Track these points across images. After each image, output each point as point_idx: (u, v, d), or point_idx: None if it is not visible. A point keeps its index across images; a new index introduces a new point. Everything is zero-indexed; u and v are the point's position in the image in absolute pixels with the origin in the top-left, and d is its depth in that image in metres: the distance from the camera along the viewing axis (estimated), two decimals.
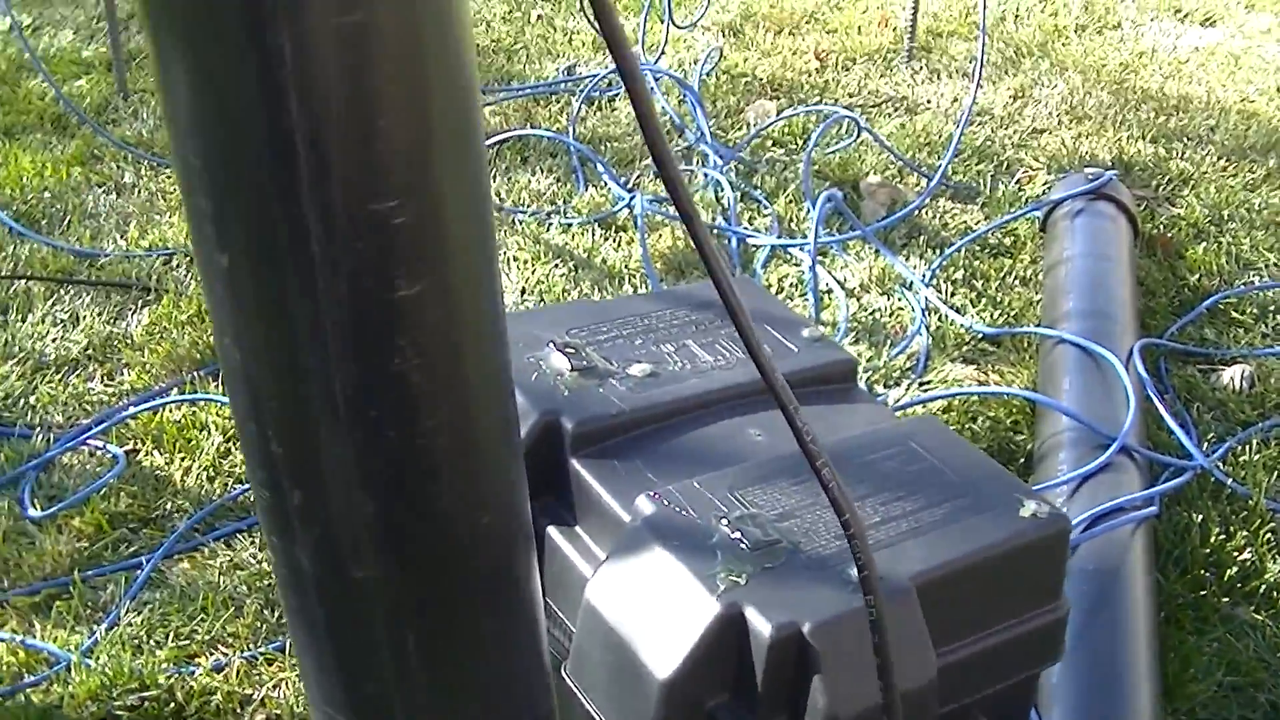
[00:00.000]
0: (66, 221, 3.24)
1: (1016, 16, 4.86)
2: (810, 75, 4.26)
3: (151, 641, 2.04)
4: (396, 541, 0.90)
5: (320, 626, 0.96)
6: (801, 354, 1.60)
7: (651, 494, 1.31)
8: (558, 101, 4.05)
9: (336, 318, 0.80)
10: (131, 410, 2.51)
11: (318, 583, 0.93)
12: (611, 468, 1.41)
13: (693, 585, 1.20)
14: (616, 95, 4.01)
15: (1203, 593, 2.13)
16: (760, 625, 1.16)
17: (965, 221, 3.28)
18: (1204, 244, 3.18)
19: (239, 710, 1.94)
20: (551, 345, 1.55)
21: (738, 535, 1.25)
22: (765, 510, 1.30)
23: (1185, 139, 3.81)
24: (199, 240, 0.82)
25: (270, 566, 2.08)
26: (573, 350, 1.53)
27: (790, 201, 3.35)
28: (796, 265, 3.04)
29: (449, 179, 0.81)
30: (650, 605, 1.23)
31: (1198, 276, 3.04)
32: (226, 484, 2.35)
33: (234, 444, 2.42)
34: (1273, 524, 2.25)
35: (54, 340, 2.75)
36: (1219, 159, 3.69)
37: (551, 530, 1.42)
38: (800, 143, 3.68)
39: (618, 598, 1.26)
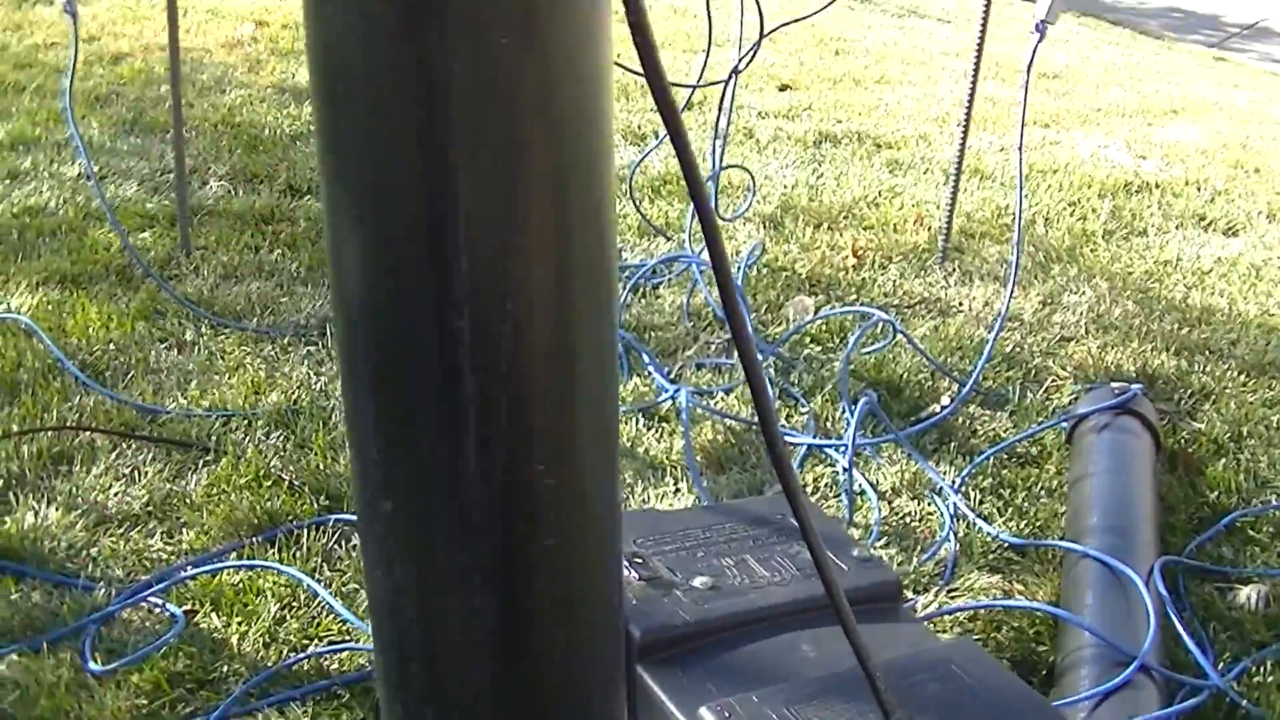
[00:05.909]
0: (130, 376, 3.30)
1: (1047, 220, 4.99)
2: (848, 273, 4.36)
3: None
4: None
5: None
6: (851, 573, 1.71)
7: (715, 705, 1.42)
8: None
9: (483, 562, 0.91)
10: (191, 571, 2.58)
11: None
12: (676, 677, 1.51)
13: None
14: (660, 284, 4.11)
15: None
16: None
17: (994, 429, 3.38)
18: (1223, 460, 3.28)
19: None
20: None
21: None
22: None
23: (1207, 352, 3.92)
24: (363, 485, 0.94)
25: None
26: (640, 560, 1.64)
27: (826, 401, 3.44)
28: (831, 466, 3.13)
29: (588, 451, 0.93)
30: None
31: (1217, 494, 3.13)
32: (282, 652, 2.38)
33: (290, 611, 2.48)
34: None
35: (116, 495, 2.80)
36: (1239, 374, 3.79)
37: None
38: (838, 340, 3.79)
39: None
